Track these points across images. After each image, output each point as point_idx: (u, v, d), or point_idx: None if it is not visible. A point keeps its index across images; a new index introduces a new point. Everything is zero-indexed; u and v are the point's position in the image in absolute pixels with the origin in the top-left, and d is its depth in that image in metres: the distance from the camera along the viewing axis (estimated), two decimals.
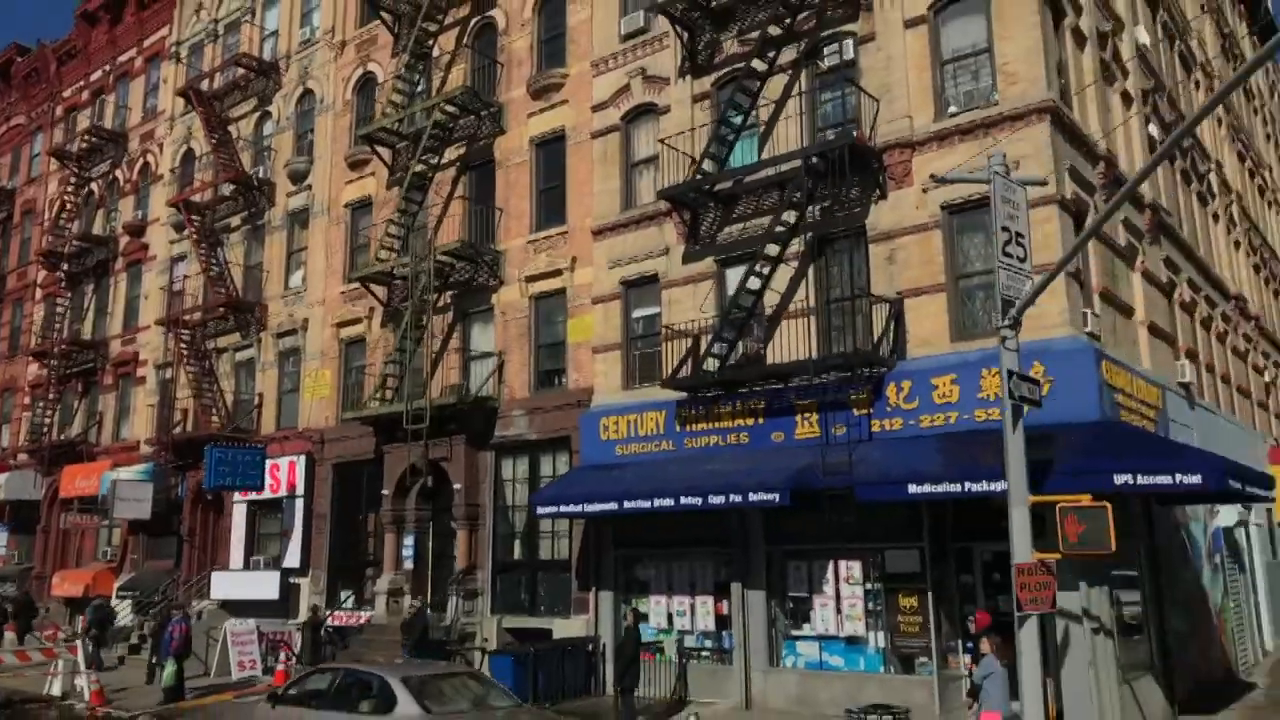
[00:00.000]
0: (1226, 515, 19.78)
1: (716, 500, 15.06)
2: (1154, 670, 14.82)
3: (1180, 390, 18.90)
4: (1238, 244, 27.35)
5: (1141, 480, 12.02)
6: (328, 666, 13.48)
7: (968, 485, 12.73)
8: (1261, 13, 37.80)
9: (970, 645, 14.53)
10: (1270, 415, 28.54)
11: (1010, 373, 10.24)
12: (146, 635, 22.28)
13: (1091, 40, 16.68)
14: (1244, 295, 26.30)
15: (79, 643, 19.93)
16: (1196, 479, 12.00)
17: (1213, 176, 25.26)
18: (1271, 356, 29.48)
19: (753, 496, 14.66)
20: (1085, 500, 10.19)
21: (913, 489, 13.20)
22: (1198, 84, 25.65)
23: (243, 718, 12.17)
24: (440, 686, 11.32)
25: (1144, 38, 20.14)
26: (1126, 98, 18.52)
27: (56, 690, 19.59)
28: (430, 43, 23.19)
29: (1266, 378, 28.34)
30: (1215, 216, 25.09)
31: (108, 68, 34.68)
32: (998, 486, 12.40)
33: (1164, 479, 11.99)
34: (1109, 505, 10.06)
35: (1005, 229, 10.43)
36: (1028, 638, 10.02)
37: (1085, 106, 16.24)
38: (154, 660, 19.84)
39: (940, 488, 12.85)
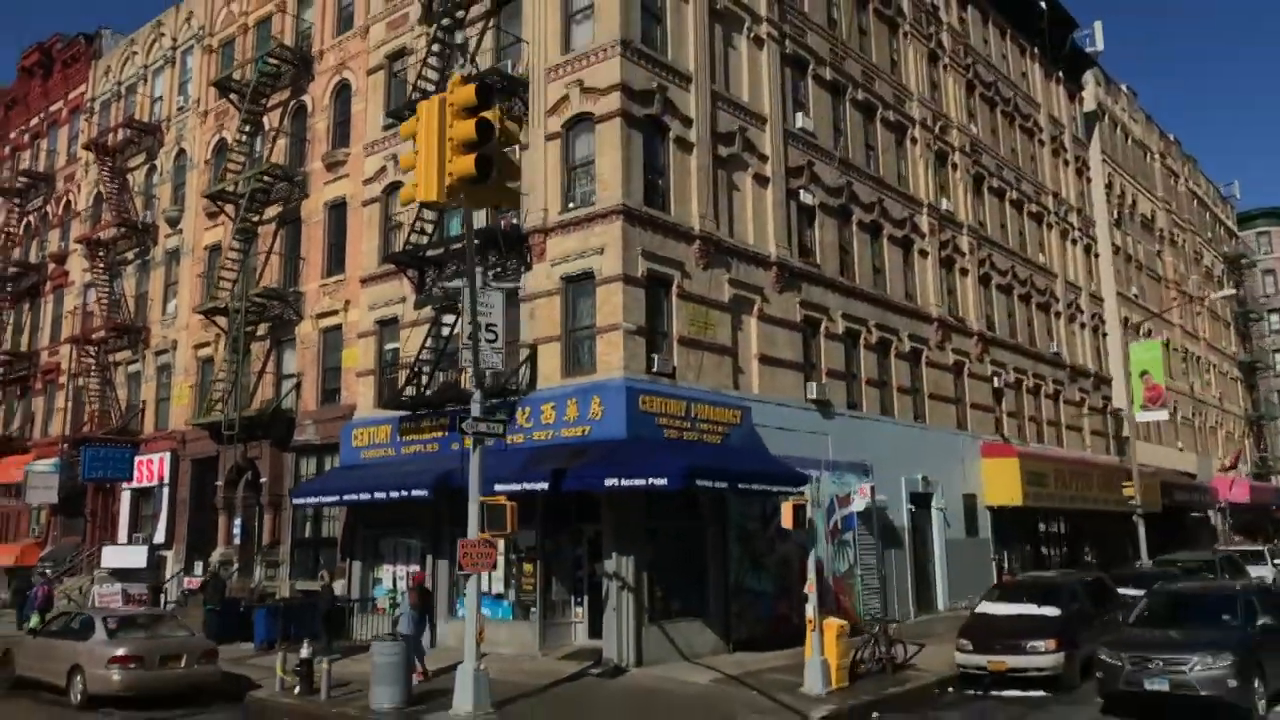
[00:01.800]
0: (859, 503, 25.02)
1: (395, 495, 20.65)
2: (708, 617, 20.27)
3: (811, 405, 24.18)
4: (964, 271, 32.37)
5: (624, 482, 17.43)
6: (75, 612, 19.23)
7: (524, 485, 18.22)
8: (1066, 50, 42.54)
9: (582, 599, 20.32)
10: (1003, 414, 33.65)
11: (468, 416, 15.61)
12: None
13: (702, 144, 21.85)
14: (955, 317, 31.35)
15: None
16: (663, 481, 17.36)
17: (923, 219, 30.32)
18: (1012, 364, 34.51)
19: (414, 492, 20.22)
20: (501, 500, 15.55)
21: (497, 488, 18.60)
22: (914, 140, 30.63)
23: (20, 647, 17.94)
24: (136, 624, 17.01)
25: (802, 123, 25.28)
26: (761, 179, 23.67)
27: None
28: (262, 118, 28.69)
29: (997, 383, 33.40)
30: (923, 253, 30.15)
31: (42, 115, 40.46)
32: (538, 487, 17.97)
33: (639, 481, 17.38)
34: (508, 503, 15.41)
35: (475, 322, 15.81)
36: (471, 588, 15.51)
37: (688, 196, 21.42)
38: (21, 615, 25.67)
39: (507, 486, 18.26)
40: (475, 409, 15.71)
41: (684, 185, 21.41)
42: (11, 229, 40.12)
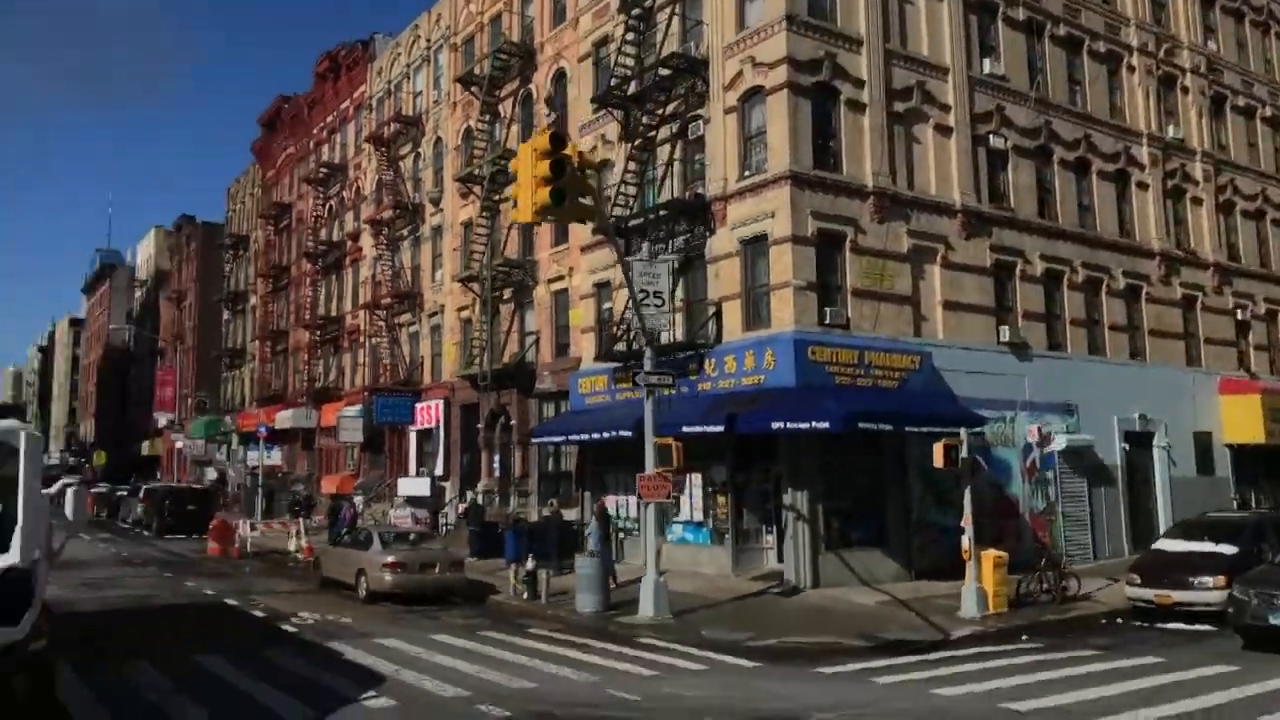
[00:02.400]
0: (1060, 442, 25.30)
1: (607, 435, 23.87)
2: (888, 547, 21.92)
3: (1005, 348, 24.76)
4: (1198, 200, 30.70)
5: (790, 425, 19.49)
6: (362, 528, 24.06)
7: (705, 428, 20.76)
8: None
9: (772, 528, 22.68)
10: (1249, 348, 31.77)
11: (643, 370, 18.20)
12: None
13: (875, 104, 22.91)
14: (1184, 250, 29.93)
15: (300, 520, 32.45)
16: (825, 424, 19.24)
17: (1142, 151, 29.19)
18: (1263, 295, 32.31)
19: (620, 433, 23.32)
20: (669, 441, 18.01)
21: (684, 429, 21.28)
22: (1131, 68, 29.38)
23: (326, 555, 23.10)
24: (404, 539, 21.46)
25: (990, 68, 25.46)
26: (943, 129, 24.29)
27: (291, 547, 32.12)
28: (498, 106, 32.68)
29: (1241, 316, 31.50)
30: (1142, 185, 29.08)
31: (335, 113, 47.37)
32: (716, 429, 20.46)
33: (803, 425, 19.36)
34: (675, 444, 17.84)
35: (644, 290, 18.33)
36: (650, 514, 18.27)
37: (861, 155, 22.64)
38: (332, 532, 31.80)
39: (692, 428, 20.85)
40: (646, 364, 18.42)
41: (856, 144, 22.66)
42: (318, 213, 47.60)
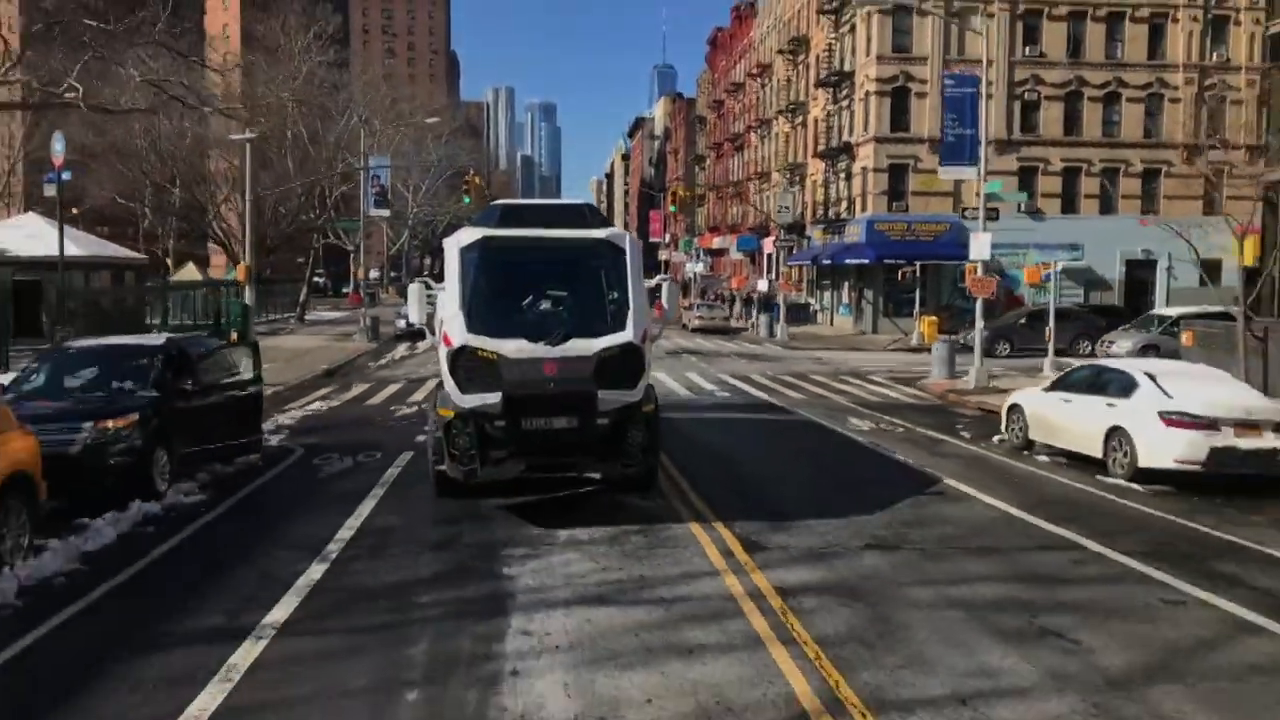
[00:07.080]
0: (1059, 266, 44.76)
1: (803, 262, 49.29)
2: (925, 315, 44.91)
3: (1024, 215, 44.91)
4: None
5: (851, 261, 43.60)
6: (698, 301, 52.51)
7: (826, 260, 45.57)
8: None
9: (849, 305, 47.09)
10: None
11: (778, 238, 43.05)
12: None
13: (934, 92, 43.81)
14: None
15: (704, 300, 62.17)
16: (865, 260, 43.04)
17: (1178, 75, 44.88)
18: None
19: (802, 262, 48.59)
20: (786, 270, 42.82)
21: (823, 261, 46.12)
22: (1175, 20, 44.72)
23: (689, 315, 52.22)
24: (708, 306, 49.74)
25: (1030, 53, 44.32)
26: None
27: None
28: (797, 66, 56.83)
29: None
30: (1174, 100, 44.93)
31: (742, 43, 73.32)
32: (826, 261, 45.39)
33: (856, 260, 43.34)
34: (787, 271, 42.59)
35: (780, 207, 43.01)
36: (782, 296, 43.71)
37: (924, 120, 44.06)
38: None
39: (824, 261, 45.66)
40: (779, 237, 43.74)
41: (921, 114, 44.06)
42: (733, 111, 74.72)
